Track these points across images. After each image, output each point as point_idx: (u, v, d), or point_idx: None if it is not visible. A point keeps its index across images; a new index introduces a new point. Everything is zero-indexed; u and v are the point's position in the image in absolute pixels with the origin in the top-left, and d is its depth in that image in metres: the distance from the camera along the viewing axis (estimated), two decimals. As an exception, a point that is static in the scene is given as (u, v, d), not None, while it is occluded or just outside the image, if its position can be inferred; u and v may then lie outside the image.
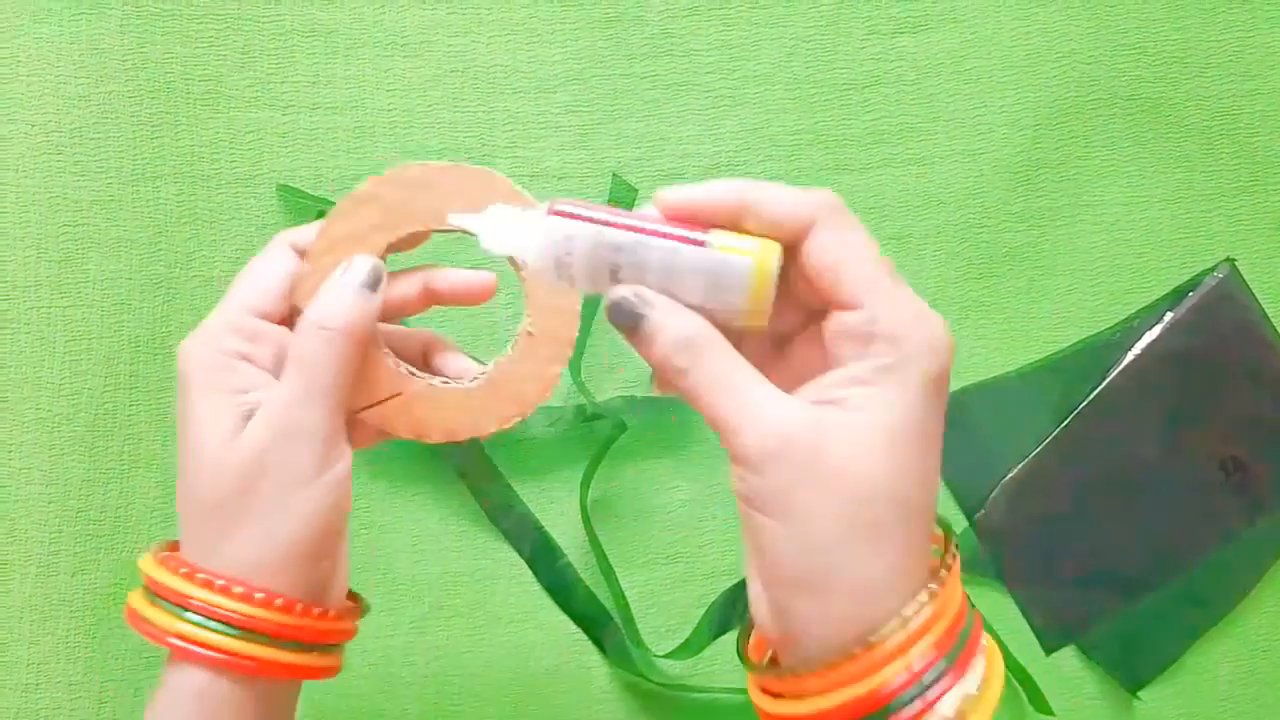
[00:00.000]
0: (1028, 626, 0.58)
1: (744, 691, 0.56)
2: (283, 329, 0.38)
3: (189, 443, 0.36)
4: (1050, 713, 0.57)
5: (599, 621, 0.56)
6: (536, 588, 0.56)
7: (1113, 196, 0.60)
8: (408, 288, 0.40)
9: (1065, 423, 0.59)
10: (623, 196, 0.55)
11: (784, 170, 0.57)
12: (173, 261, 0.53)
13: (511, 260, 0.37)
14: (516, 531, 0.56)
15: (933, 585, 0.31)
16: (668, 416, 0.56)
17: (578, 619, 0.56)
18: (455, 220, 0.36)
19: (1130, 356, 0.59)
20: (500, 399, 0.39)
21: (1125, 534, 0.59)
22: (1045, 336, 0.59)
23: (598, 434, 0.55)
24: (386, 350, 0.39)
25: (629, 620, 0.55)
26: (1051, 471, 0.59)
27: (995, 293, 0.59)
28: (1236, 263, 0.59)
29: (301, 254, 0.38)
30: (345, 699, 0.54)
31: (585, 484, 0.55)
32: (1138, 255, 0.60)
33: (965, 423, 0.58)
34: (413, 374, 0.39)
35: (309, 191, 0.54)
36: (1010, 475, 0.58)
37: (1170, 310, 0.59)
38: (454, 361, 0.41)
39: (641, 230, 0.32)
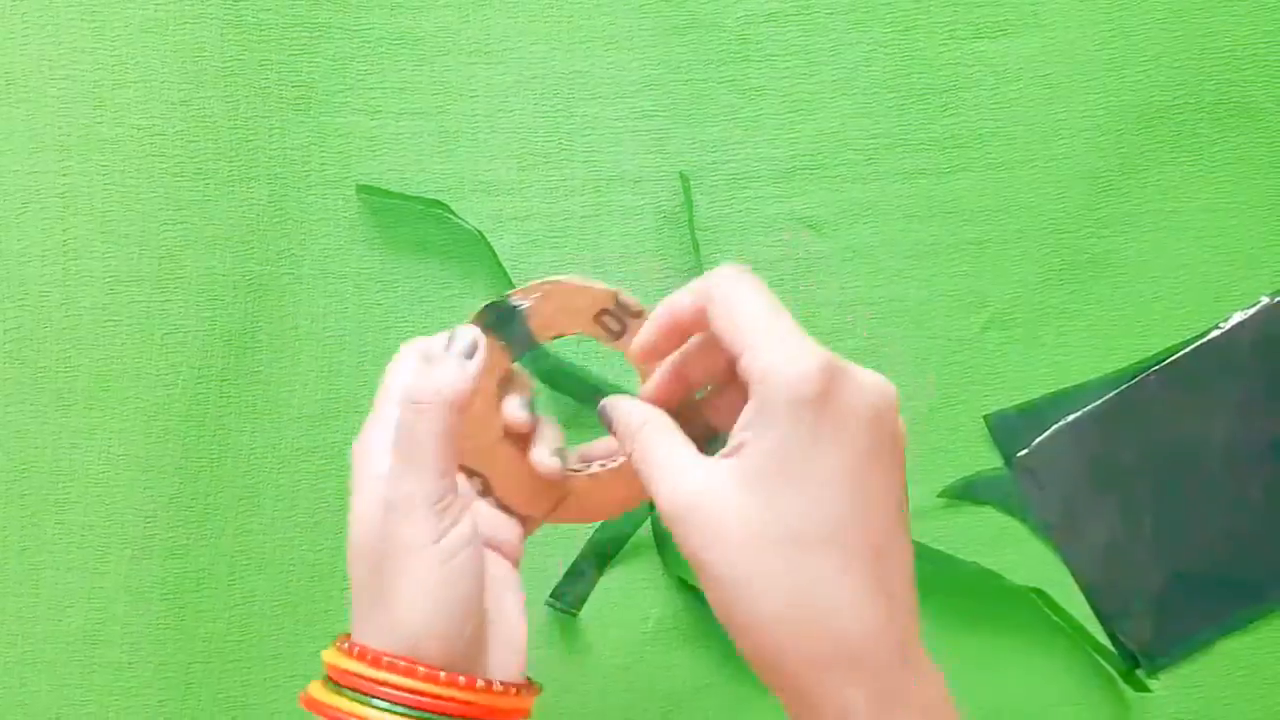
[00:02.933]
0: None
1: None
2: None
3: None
4: (1146, 689, 0.56)
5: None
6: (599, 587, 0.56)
7: (1200, 202, 0.58)
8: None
9: (1134, 380, 0.57)
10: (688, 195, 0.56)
11: (861, 174, 0.57)
12: (264, 260, 0.55)
13: None
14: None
15: None
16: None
17: None
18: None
19: (1216, 332, 0.57)
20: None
21: (1179, 510, 0.57)
22: (1129, 345, 0.58)
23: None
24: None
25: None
26: (1109, 426, 0.57)
27: (1077, 300, 0.58)
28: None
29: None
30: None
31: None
32: (1226, 262, 0.58)
33: (1040, 426, 0.58)
34: (567, 472, 0.41)
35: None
36: (1065, 421, 0.57)
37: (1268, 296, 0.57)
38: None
39: None
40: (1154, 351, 0.58)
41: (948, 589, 0.56)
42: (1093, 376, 0.58)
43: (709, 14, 0.57)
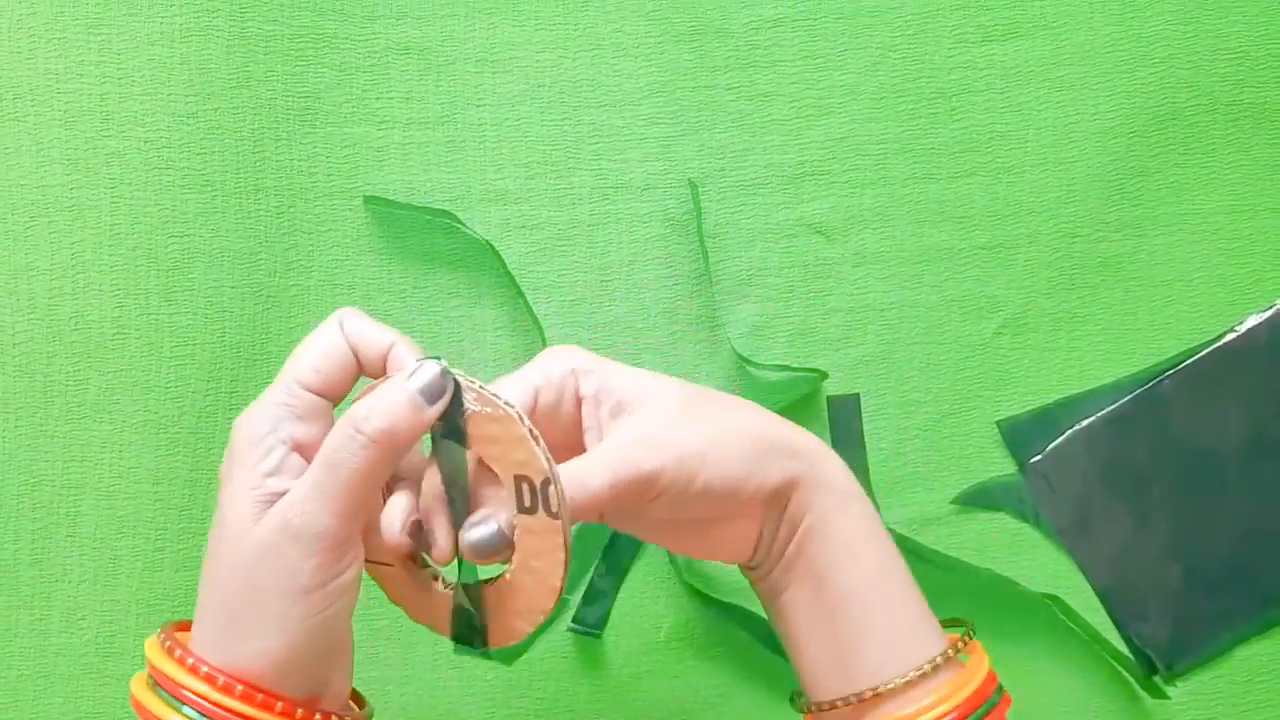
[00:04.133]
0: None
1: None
2: (329, 405, 0.37)
3: (214, 523, 0.35)
4: (1164, 696, 0.55)
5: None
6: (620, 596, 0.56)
7: (1213, 205, 0.58)
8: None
9: (1148, 385, 0.57)
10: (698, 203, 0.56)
11: (870, 179, 0.57)
12: (272, 271, 0.55)
13: None
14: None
15: (940, 656, 0.38)
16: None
17: None
18: None
19: (1231, 336, 0.57)
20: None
21: (1195, 513, 0.57)
22: (1143, 349, 0.58)
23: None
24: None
25: None
26: (1123, 431, 0.57)
27: (1089, 304, 0.58)
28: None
29: (354, 348, 0.36)
30: (421, 699, 0.55)
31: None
32: (1241, 265, 0.58)
33: (1053, 431, 0.57)
34: (408, 556, 0.38)
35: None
36: (1078, 426, 0.57)
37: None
38: (440, 531, 0.37)
39: None
40: (1168, 355, 0.57)
41: (961, 596, 0.55)
42: (1106, 381, 0.57)
43: (715, 20, 0.57)
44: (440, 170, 0.56)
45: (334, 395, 0.37)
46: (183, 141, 0.54)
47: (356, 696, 0.40)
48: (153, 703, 0.34)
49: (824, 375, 0.56)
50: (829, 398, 0.57)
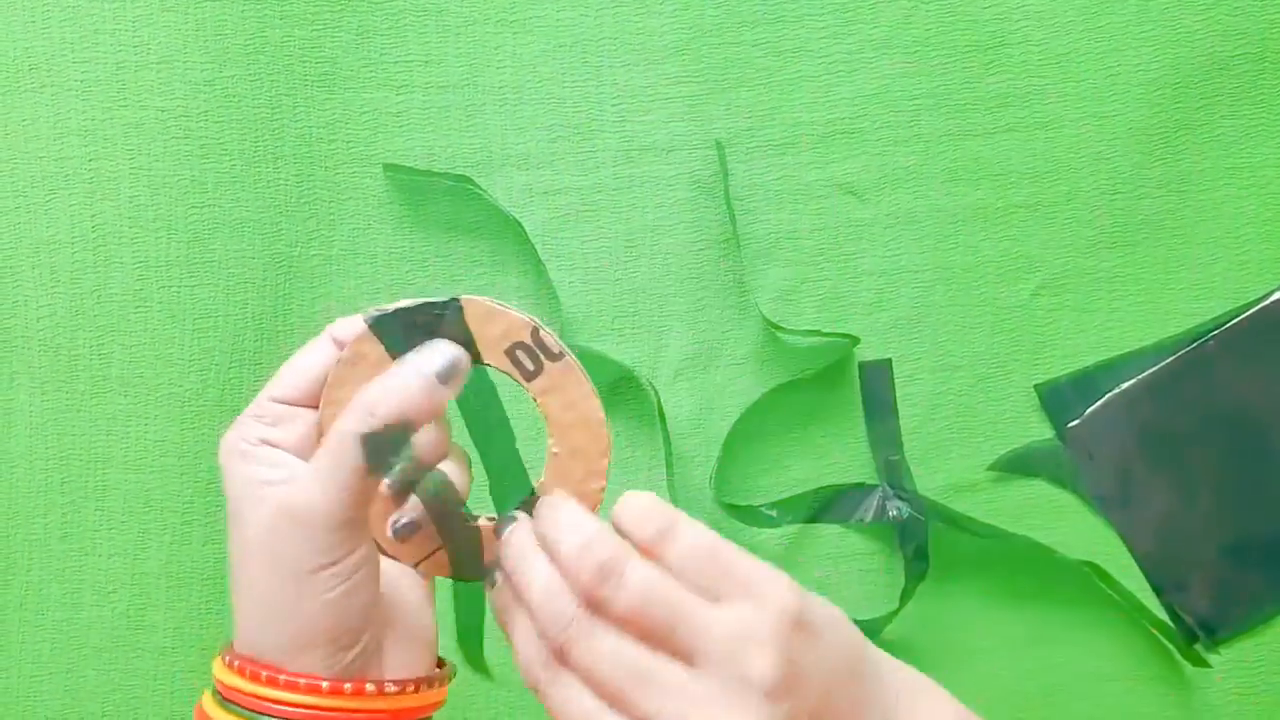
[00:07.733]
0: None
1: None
2: (312, 412, 0.36)
3: (229, 532, 0.35)
4: (1205, 664, 0.54)
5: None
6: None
7: (1262, 159, 0.56)
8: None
9: (1191, 347, 0.55)
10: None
11: (903, 136, 0.55)
12: (293, 240, 0.54)
13: None
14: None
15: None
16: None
17: None
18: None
19: (1278, 295, 0.55)
20: None
21: (1238, 479, 0.55)
22: (1186, 310, 0.56)
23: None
24: None
25: None
26: (1165, 394, 0.55)
27: (1131, 264, 0.56)
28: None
29: (342, 346, 0.36)
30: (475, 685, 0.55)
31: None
32: (1290, 221, 0.56)
33: (1093, 395, 0.56)
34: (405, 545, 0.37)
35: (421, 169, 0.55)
36: (1119, 389, 0.55)
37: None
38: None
39: None
40: (1212, 316, 0.56)
41: (999, 564, 0.55)
42: (1147, 343, 0.56)
43: (742, -26, 0.55)
44: (461, 135, 0.55)
45: (311, 404, 0.36)
46: (200, 110, 0.54)
47: (440, 662, 0.39)
48: (211, 708, 0.35)
49: (855, 340, 0.55)
50: (861, 363, 0.56)
